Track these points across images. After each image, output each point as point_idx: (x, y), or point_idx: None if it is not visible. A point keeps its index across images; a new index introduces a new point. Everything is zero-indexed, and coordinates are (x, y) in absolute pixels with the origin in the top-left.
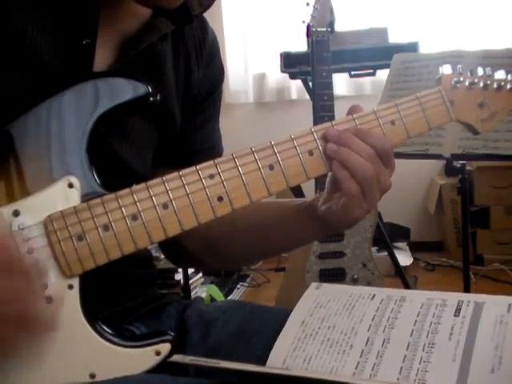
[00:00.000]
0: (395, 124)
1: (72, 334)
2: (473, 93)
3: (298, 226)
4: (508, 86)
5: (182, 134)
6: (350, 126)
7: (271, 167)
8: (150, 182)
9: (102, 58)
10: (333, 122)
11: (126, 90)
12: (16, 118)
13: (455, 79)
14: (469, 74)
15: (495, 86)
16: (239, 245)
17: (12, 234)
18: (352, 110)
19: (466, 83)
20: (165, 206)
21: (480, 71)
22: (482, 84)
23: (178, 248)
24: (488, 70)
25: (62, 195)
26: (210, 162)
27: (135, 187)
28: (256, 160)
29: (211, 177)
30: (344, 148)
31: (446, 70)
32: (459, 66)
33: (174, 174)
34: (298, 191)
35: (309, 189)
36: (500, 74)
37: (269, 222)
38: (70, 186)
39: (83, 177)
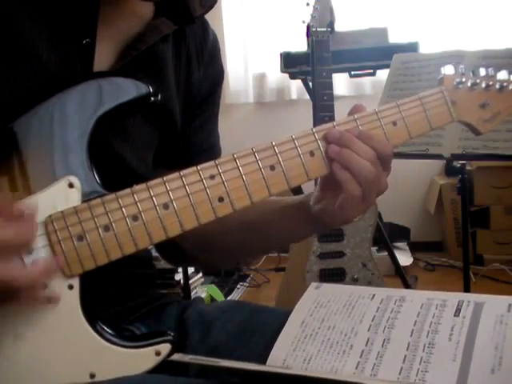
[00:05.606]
0: (397, 124)
1: (72, 333)
2: (475, 93)
3: (291, 224)
4: (510, 87)
5: (182, 135)
6: (351, 127)
7: (272, 168)
8: (151, 183)
9: (103, 57)
10: (334, 123)
11: (127, 89)
12: (17, 117)
13: (457, 80)
14: (471, 74)
15: (497, 86)
16: (232, 242)
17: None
18: (354, 110)
19: (468, 84)
20: (165, 207)
21: (482, 71)
22: (484, 84)
23: (172, 246)
24: (490, 70)
25: (62, 195)
26: (211, 163)
27: (136, 187)
28: (257, 160)
29: (212, 177)
30: (346, 149)
31: (448, 70)
32: (461, 66)
33: (175, 175)
34: (297, 190)
35: (309, 188)
36: (502, 75)
37: (261, 219)
38: (71, 185)
39: (84, 177)
